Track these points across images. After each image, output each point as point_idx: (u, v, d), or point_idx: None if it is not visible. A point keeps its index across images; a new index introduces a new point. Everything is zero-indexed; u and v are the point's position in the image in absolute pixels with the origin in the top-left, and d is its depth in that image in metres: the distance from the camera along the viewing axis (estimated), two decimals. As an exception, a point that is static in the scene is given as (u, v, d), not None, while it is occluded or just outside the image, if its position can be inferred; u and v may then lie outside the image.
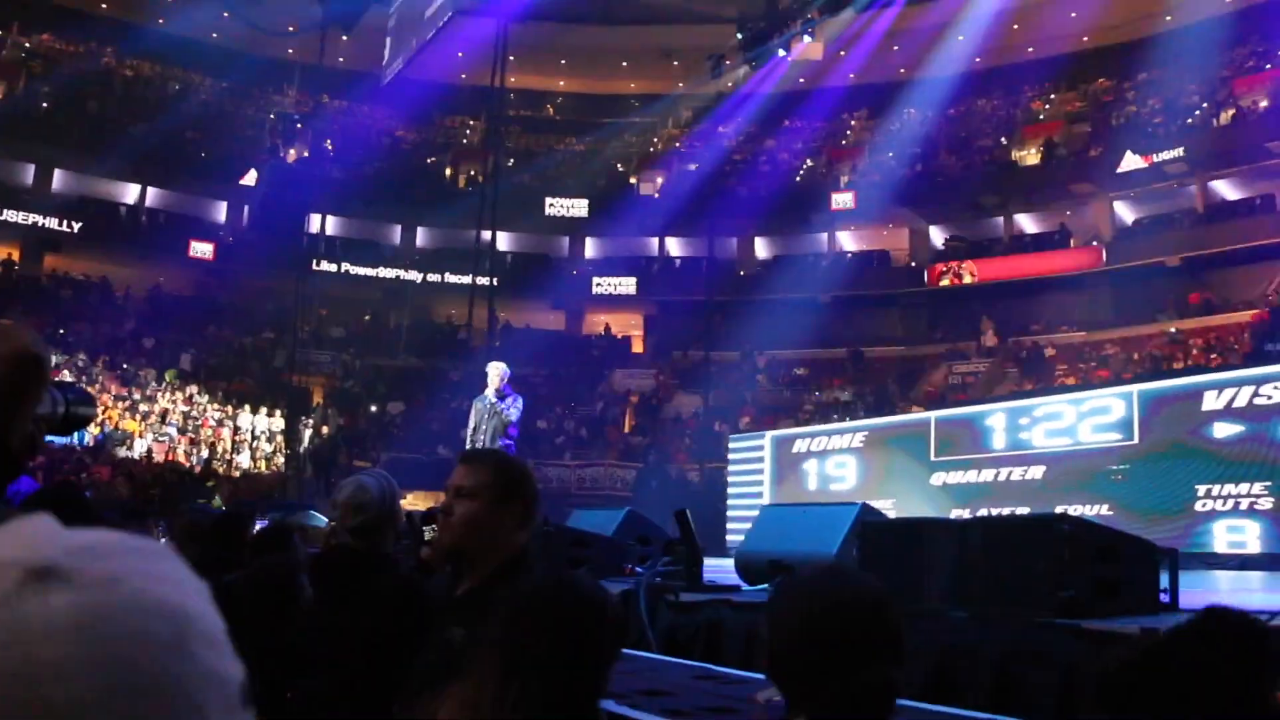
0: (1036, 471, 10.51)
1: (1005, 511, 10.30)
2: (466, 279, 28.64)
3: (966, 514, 10.65)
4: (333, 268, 31.33)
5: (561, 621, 1.95)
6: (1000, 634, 3.80)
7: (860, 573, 2.00)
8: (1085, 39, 28.58)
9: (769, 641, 1.98)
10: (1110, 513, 9.30)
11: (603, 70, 32.60)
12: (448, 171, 34.60)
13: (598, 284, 32.57)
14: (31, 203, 29.50)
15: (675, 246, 34.56)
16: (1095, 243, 27.20)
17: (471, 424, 9.87)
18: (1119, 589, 3.95)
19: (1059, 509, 9.66)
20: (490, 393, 9.86)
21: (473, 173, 33.01)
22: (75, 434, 21.88)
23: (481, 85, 30.45)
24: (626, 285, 32.43)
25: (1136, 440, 9.45)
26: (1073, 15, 27.11)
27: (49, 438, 2.02)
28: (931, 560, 4.37)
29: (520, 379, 27.87)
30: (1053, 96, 30.88)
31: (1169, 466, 9.05)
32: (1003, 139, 30.51)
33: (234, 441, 24.76)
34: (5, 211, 28.65)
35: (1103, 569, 3.89)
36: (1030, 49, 29.62)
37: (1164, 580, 4.25)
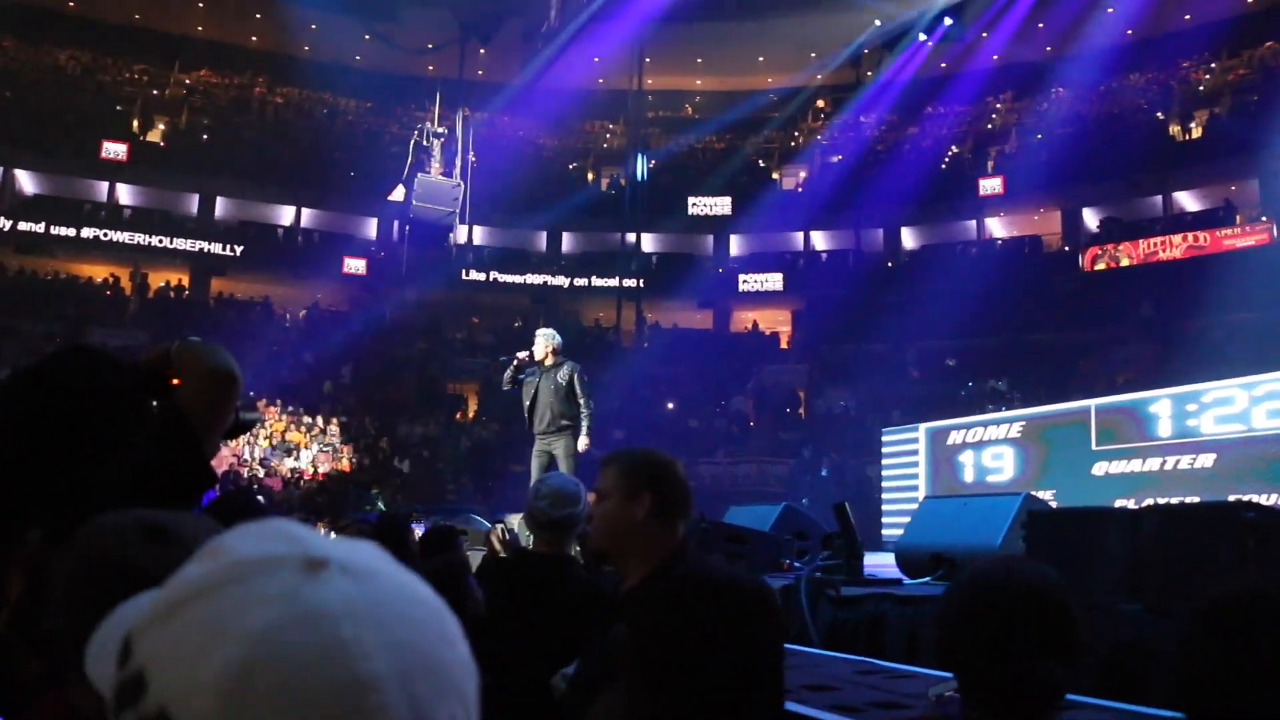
0: (1206, 460, 10.10)
1: (1174, 501, 9.92)
2: (613, 281, 28.95)
3: (1131, 504, 10.29)
4: (481, 276, 32.00)
5: (712, 615, 1.93)
6: (1177, 628, 3.63)
7: (1037, 564, 1.94)
8: (1249, 1, 27.17)
9: (941, 628, 1.95)
10: (1290, 501, 8.87)
11: (739, 66, 32.47)
12: (590, 176, 34.98)
13: (744, 281, 32.47)
14: (197, 230, 31.07)
15: (821, 240, 34.24)
16: (1264, 218, 25.90)
17: (526, 402, 9.12)
18: (1309, 578, 3.74)
19: (1232, 499, 9.26)
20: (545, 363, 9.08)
21: (615, 176, 33.30)
22: (246, 446, 22.79)
23: (619, 88, 30.73)
24: (773, 281, 32.25)
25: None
26: (1234, -24, 25.79)
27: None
28: (1102, 551, 4.21)
29: (670, 378, 28.20)
30: (1214, 65, 29.43)
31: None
32: (1159, 114, 29.27)
33: (393, 449, 25.43)
34: (175, 240, 30.19)
35: (1290, 560, 3.69)
36: (1187, 16, 28.31)
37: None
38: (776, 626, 1.97)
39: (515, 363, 9.15)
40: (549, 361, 9.00)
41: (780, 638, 1.99)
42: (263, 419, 18.83)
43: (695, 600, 1.92)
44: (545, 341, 9.09)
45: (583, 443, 8.86)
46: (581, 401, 8.87)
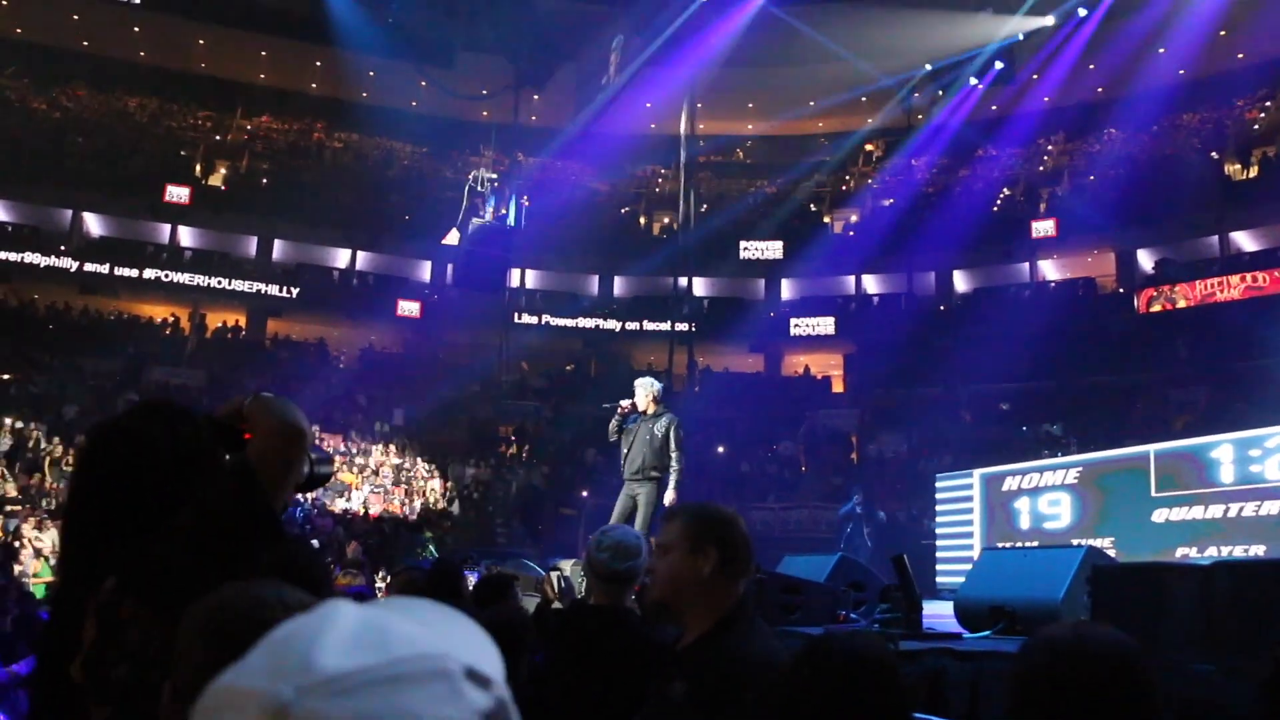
0: (1272, 507, 9.88)
1: (1238, 550, 9.72)
2: (665, 325, 28.96)
3: (1194, 553, 10.10)
4: (533, 320, 32.17)
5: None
6: (1253, 689, 3.55)
7: (1114, 630, 1.91)
8: (1305, 37, 26.90)
9: (1014, 695, 1.92)
10: (1360, 550, 8.66)
11: (791, 111, 32.56)
12: (642, 220, 35.16)
13: (795, 325, 32.38)
14: (255, 272, 31.54)
15: (873, 284, 34.12)
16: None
17: (624, 449, 9.23)
18: (1388, 638, 3.64)
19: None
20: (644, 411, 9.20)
21: (667, 220, 33.43)
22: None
23: (671, 133, 30.90)
24: (825, 325, 32.13)
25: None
26: (1288, 16, 25.52)
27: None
28: (1172, 608, 4.13)
29: (721, 422, 28.11)
30: (1268, 104, 29.15)
31: None
32: (1214, 153, 28.99)
33: (444, 492, 25.51)
34: (233, 281, 30.69)
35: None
36: (1240, 55, 28.10)
37: None
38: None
39: (620, 412, 9.25)
40: (650, 410, 9.11)
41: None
42: (335, 471, 18.98)
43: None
44: (645, 391, 9.20)
45: (669, 496, 8.85)
46: (674, 455, 8.92)
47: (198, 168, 32.07)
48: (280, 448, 1.81)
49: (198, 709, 0.68)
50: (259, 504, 1.74)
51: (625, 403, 9.23)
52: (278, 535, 1.82)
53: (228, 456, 1.89)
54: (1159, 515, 11.03)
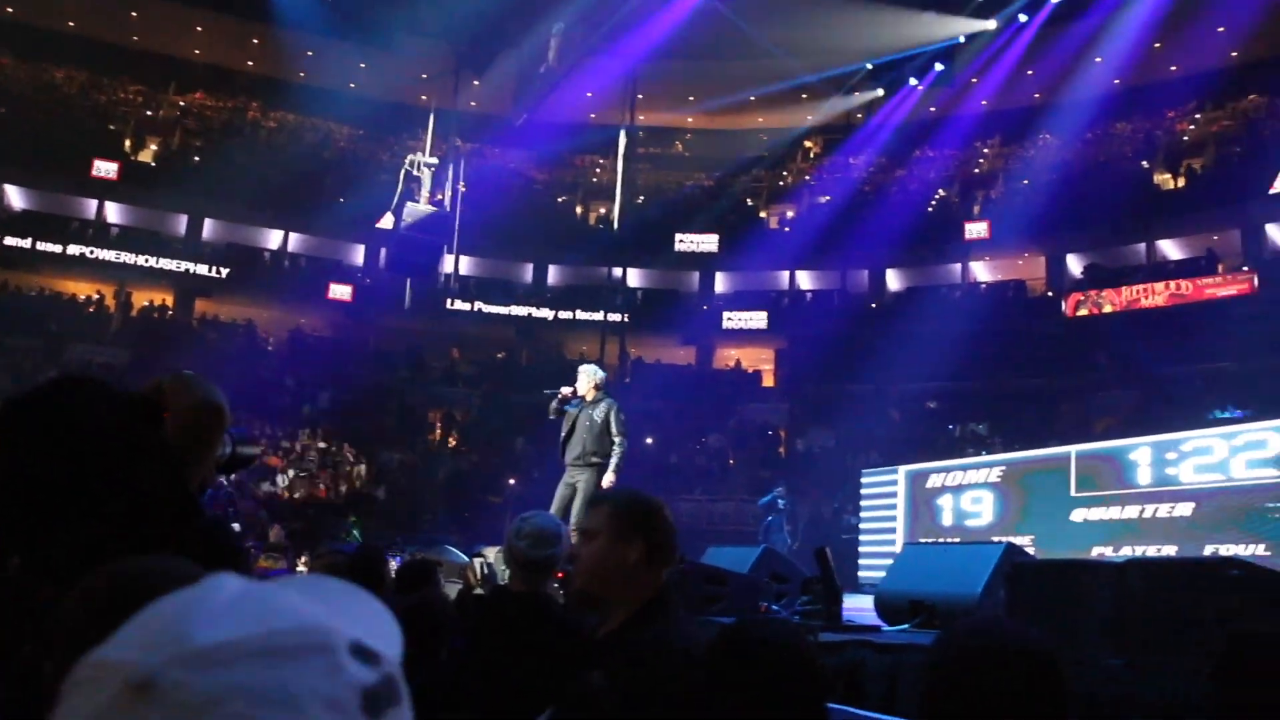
0: (1185, 509, 10.10)
1: (1151, 549, 9.92)
2: (598, 316, 28.92)
3: (1109, 552, 10.30)
4: (466, 307, 31.96)
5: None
6: (1161, 684, 3.61)
7: (1029, 628, 1.92)
8: (1234, 54, 27.45)
9: (927, 688, 1.93)
10: (1267, 553, 8.87)
11: (731, 105, 32.66)
12: (578, 210, 35.07)
13: (728, 319, 32.50)
14: (184, 251, 30.97)
15: (806, 280, 34.34)
16: (1245, 268, 26.11)
17: (563, 433, 9.37)
18: (1293, 637, 3.71)
19: (1209, 548, 9.27)
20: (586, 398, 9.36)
21: (603, 210, 33.38)
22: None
23: (610, 124, 30.85)
24: (757, 320, 32.29)
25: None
26: (1220, 30, 25.97)
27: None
28: (1086, 604, 4.18)
29: (651, 413, 28.12)
30: (1198, 116, 29.78)
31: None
32: (1144, 162, 29.54)
33: (370, 477, 25.30)
34: (161, 260, 30.11)
35: (1276, 616, 3.67)
36: (1173, 67, 28.65)
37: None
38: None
39: (560, 397, 9.41)
40: (590, 396, 9.23)
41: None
42: (260, 453, 18.74)
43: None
44: (588, 377, 9.38)
45: (608, 479, 8.93)
46: (616, 439, 9.03)
47: (127, 143, 31.38)
48: (196, 425, 1.78)
49: (67, 682, 0.65)
50: (174, 482, 1.70)
51: (566, 389, 9.39)
52: (194, 515, 1.78)
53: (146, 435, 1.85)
54: (1078, 515, 11.23)
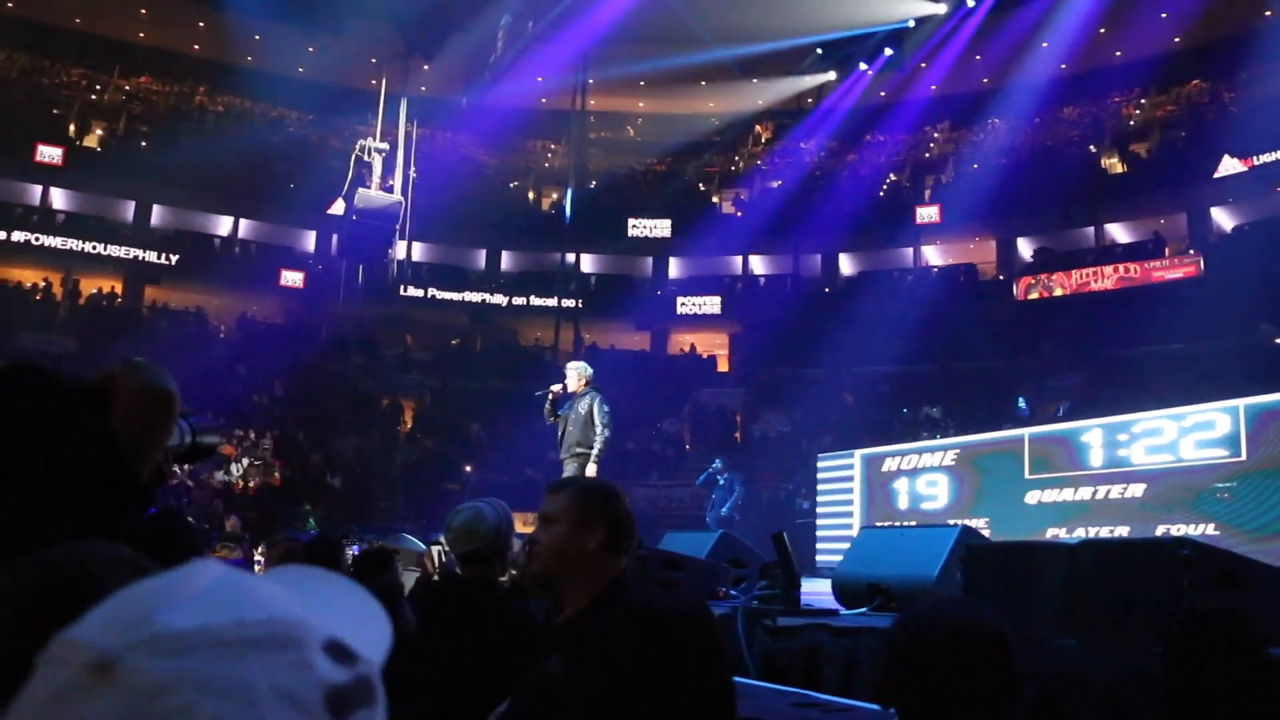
0: (1136, 489, 10.23)
1: (1104, 530, 10.05)
2: (552, 301, 28.92)
3: (1063, 533, 10.43)
4: (419, 293, 31.81)
5: (651, 647, 1.91)
6: (1112, 662, 3.67)
7: (979, 606, 1.96)
8: (1177, 39, 27.85)
9: (882, 668, 1.96)
10: (1216, 532, 9.01)
11: (682, 90, 32.65)
12: (530, 195, 34.94)
13: (682, 304, 32.55)
14: (132, 237, 30.54)
15: (759, 265, 34.45)
16: (1192, 251, 26.50)
17: (560, 429, 9.61)
18: (1241, 616, 3.78)
19: (1160, 528, 9.41)
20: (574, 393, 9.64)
21: (555, 196, 33.30)
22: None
23: (562, 109, 30.76)
24: (711, 305, 32.37)
25: (1244, 457, 9.15)
26: (1163, 16, 26.29)
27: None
28: (1039, 585, 4.24)
29: (606, 399, 28.12)
30: (1143, 101, 30.17)
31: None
32: (1091, 147, 29.90)
33: (325, 464, 25.12)
34: (109, 246, 29.66)
35: (1225, 595, 3.74)
36: (1118, 53, 28.99)
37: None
38: (717, 652, 1.95)
39: (550, 398, 9.63)
40: (579, 391, 9.53)
41: (723, 662, 1.97)
42: (221, 443, 18.55)
43: (633, 633, 1.91)
44: (577, 373, 9.66)
45: (590, 469, 9.13)
46: (597, 430, 9.27)
47: (72, 127, 30.81)
48: (145, 413, 1.74)
49: (39, 658, 0.65)
50: (120, 471, 1.67)
51: (555, 387, 9.63)
52: (143, 505, 1.75)
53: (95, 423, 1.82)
54: (1031, 497, 11.34)
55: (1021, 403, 22.67)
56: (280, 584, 0.71)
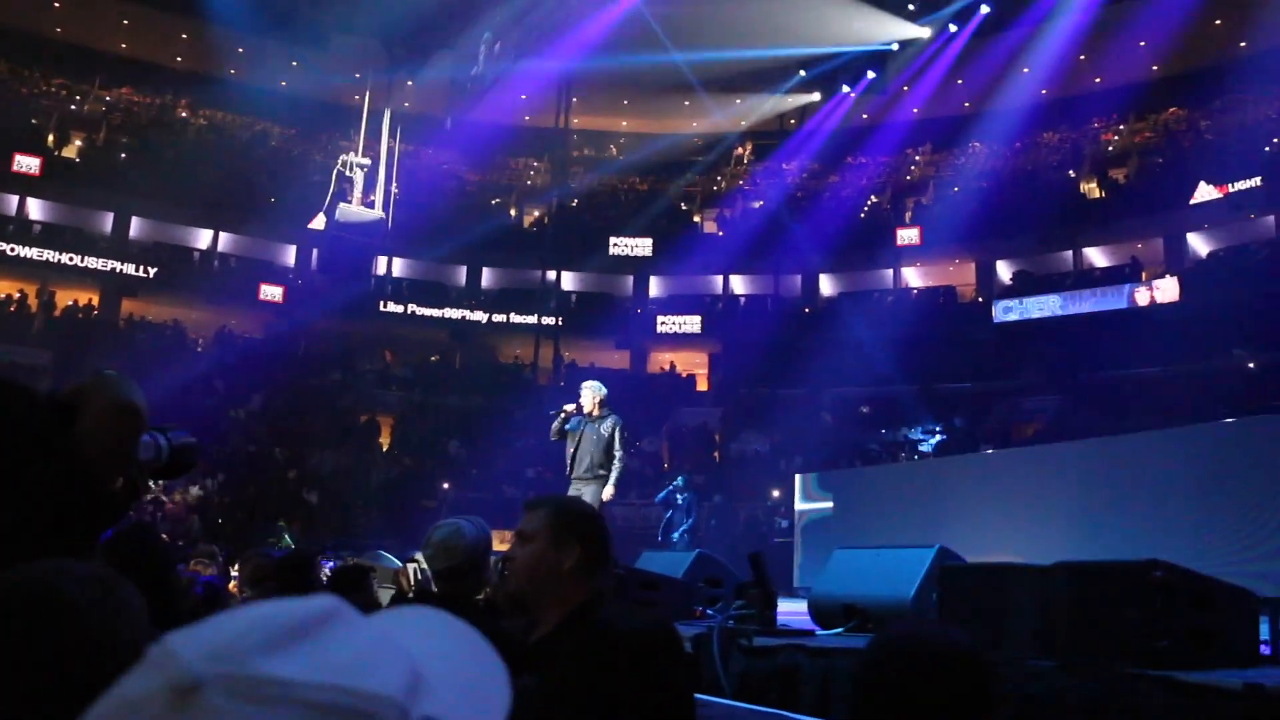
0: (1113, 512, 10.26)
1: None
2: (532, 319, 28.88)
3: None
4: (399, 309, 31.69)
5: (618, 665, 1.91)
6: (1087, 684, 3.67)
7: (954, 630, 1.96)
8: (1155, 68, 28.13)
9: (857, 691, 1.96)
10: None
11: (665, 109, 32.75)
12: (512, 212, 34.91)
13: (662, 323, 32.54)
14: (110, 249, 30.27)
15: (740, 284, 34.50)
16: (1168, 275, 26.69)
17: (570, 449, 9.56)
18: (1215, 639, 3.79)
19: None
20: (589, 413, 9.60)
21: (537, 213, 33.31)
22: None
23: (545, 127, 30.81)
24: (691, 324, 32.37)
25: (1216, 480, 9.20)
26: (1141, 44, 26.65)
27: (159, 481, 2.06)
28: (1015, 606, 4.25)
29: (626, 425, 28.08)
30: (1121, 127, 30.45)
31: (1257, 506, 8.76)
32: (1070, 172, 30.13)
33: (301, 480, 25.01)
34: (86, 258, 29.42)
35: (1198, 618, 3.75)
36: (1098, 79, 29.29)
37: (1265, 631, 4.08)
38: (682, 672, 1.95)
39: (563, 415, 9.66)
40: (596, 413, 9.55)
41: (687, 682, 1.97)
42: (199, 455, 18.37)
43: (601, 651, 1.90)
44: (592, 393, 9.69)
45: (608, 492, 9.28)
46: (617, 454, 9.40)
47: (50, 138, 30.62)
48: (111, 427, 1.72)
49: (145, 657, 0.63)
50: (83, 486, 1.65)
51: (569, 406, 9.68)
52: (111, 519, 1.73)
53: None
54: (1008, 517, 11.36)
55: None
56: (412, 646, 0.68)
